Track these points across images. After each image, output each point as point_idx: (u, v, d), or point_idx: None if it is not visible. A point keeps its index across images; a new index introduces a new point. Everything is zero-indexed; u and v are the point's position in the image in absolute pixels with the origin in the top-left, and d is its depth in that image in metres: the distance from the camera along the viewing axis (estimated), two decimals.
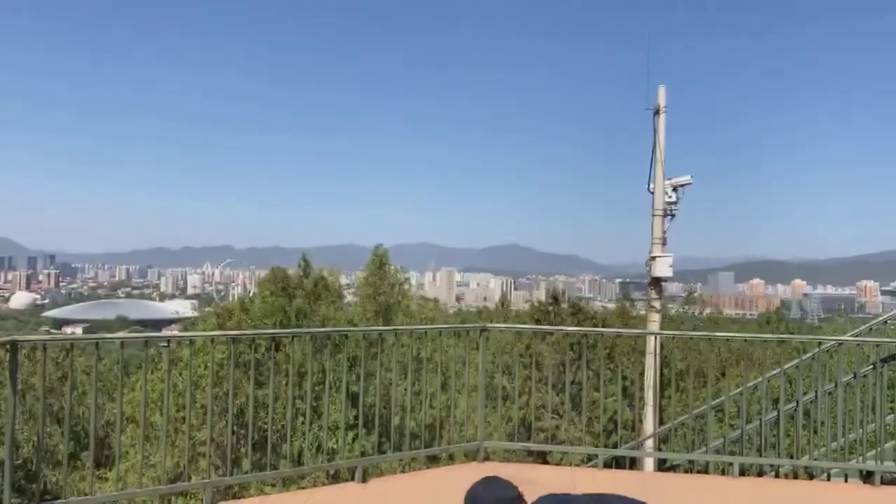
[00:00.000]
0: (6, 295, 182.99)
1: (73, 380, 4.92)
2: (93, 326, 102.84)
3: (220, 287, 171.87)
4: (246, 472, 6.90)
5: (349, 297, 12.20)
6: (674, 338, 8.79)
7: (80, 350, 6.64)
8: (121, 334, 5.93)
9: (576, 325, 12.32)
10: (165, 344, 6.60)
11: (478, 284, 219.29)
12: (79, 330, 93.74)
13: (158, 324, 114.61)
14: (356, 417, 7.82)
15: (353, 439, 7.34)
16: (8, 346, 3.98)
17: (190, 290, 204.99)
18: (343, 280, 11.26)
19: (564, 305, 12.59)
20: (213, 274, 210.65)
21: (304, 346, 7.57)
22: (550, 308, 11.97)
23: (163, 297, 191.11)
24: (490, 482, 2.98)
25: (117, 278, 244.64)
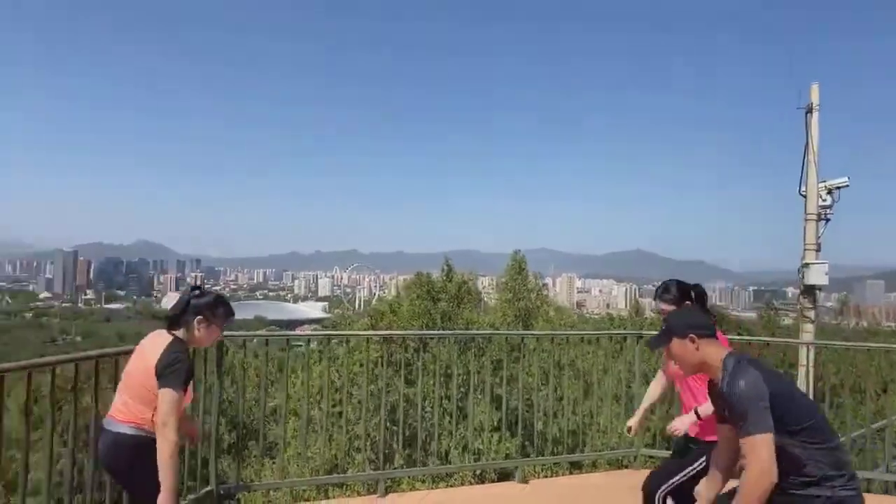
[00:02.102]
0: (158, 295, 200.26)
1: (265, 372, 5.47)
2: (233, 326, 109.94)
3: (348, 290, 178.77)
4: (397, 468, 7.26)
5: (486, 300, 12.44)
6: (826, 349, 8.31)
7: (237, 346, 7.25)
8: (305, 332, 6.41)
9: None
10: (324, 343, 7.13)
11: (600, 291, 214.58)
12: None
13: (292, 324, 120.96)
14: (500, 420, 8.00)
15: (499, 441, 7.52)
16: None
17: (321, 293, 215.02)
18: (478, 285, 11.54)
19: None
20: (341, 277, 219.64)
21: (450, 348, 7.86)
22: None
23: (296, 299, 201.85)
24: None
25: (255, 281, 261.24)
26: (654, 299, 4.00)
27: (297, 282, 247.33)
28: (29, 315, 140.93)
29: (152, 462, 3.02)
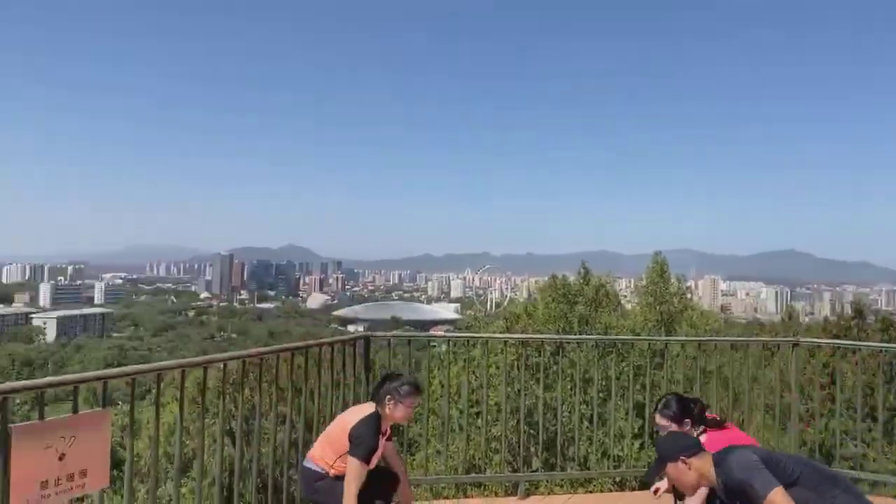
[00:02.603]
0: (304, 296, 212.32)
1: (410, 369, 5.72)
2: (371, 325, 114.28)
3: (480, 291, 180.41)
4: (535, 471, 7.26)
5: (624, 302, 12.12)
6: None
7: (378, 346, 7.56)
8: (440, 332, 6.58)
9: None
10: (464, 343, 7.27)
11: (747, 294, 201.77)
12: (360, 328, 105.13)
13: (426, 324, 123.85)
14: (641, 427, 7.77)
15: (640, 449, 7.32)
16: (363, 340, 4.80)
17: (453, 294, 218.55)
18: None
19: (871, 320, 11.07)
20: (472, 279, 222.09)
21: (588, 353, 7.75)
22: (853, 323, 10.61)
23: (429, 300, 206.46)
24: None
25: (391, 282, 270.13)
26: (654, 412, 4.37)
27: (430, 283, 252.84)
28: (191, 314, 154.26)
29: (328, 494, 3.93)
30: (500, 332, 9.33)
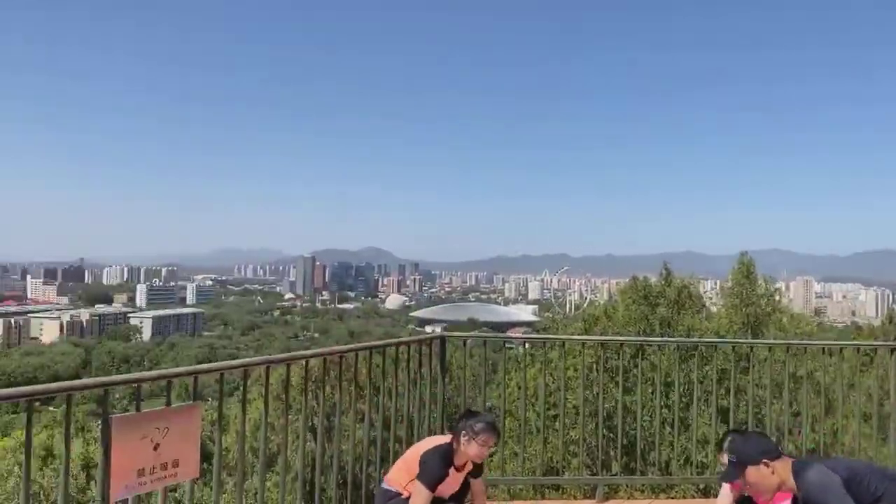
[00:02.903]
0: (383, 297, 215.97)
1: (486, 370, 5.76)
2: (448, 326, 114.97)
3: (558, 293, 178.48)
4: (615, 474, 7.13)
5: (709, 304, 11.73)
6: None
7: (455, 346, 7.57)
8: (516, 335, 6.58)
9: None
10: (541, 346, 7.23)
11: (844, 297, 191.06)
12: (438, 329, 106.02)
13: (503, 326, 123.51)
14: (726, 433, 7.49)
15: None
16: (439, 340, 4.87)
17: (530, 296, 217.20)
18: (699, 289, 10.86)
19: None
20: (550, 281, 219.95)
21: (670, 356, 7.54)
22: None
23: (506, 302, 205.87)
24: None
25: (468, 284, 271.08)
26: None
27: (507, 285, 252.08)
28: (276, 313, 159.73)
29: None
30: (579, 334, 9.21)
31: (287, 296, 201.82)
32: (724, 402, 7.02)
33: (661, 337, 8.86)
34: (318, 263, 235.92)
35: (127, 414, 2.87)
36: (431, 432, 5.88)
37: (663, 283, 9.90)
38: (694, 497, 6.82)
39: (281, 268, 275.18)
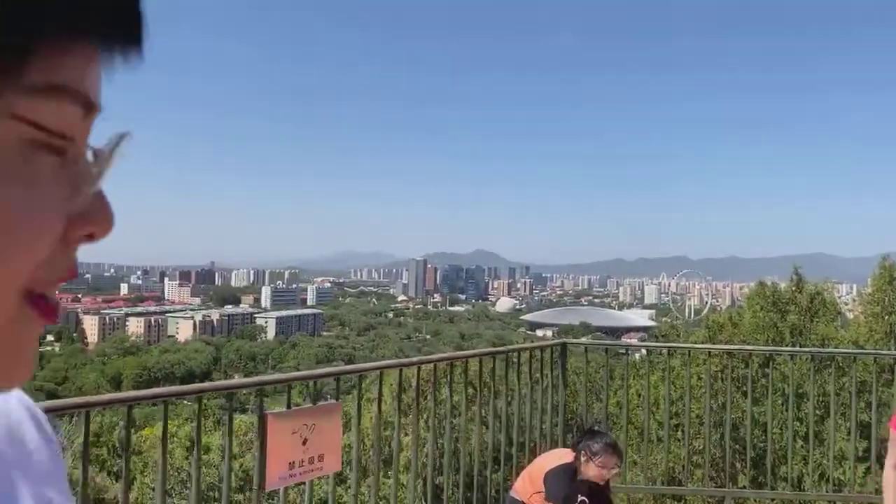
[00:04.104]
0: (493, 300, 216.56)
1: (608, 376, 5.76)
2: (560, 330, 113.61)
3: (677, 298, 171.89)
4: (743, 488, 6.87)
5: (844, 311, 10.99)
6: None
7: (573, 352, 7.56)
8: (636, 342, 6.52)
9: None
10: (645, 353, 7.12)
11: None
12: (549, 333, 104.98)
13: (618, 331, 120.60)
14: (867, 449, 7.05)
15: (864, 473, 6.64)
16: (559, 346, 4.93)
17: (647, 300, 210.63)
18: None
19: None
20: (668, 285, 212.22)
21: (802, 366, 7.17)
22: None
23: (621, 307, 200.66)
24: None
25: (580, 287, 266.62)
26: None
27: (621, 288, 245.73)
28: (390, 315, 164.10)
29: None
30: (702, 342, 8.92)
31: (400, 298, 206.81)
32: (865, 417, 6.60)
33: (792, 346, 8.42)
34: (429, 266, 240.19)
35: (280, 411, 3.15)
36: (552, 441, 5.93)
37: (793, 288, 9.38)
38: None
39: (394, 270, 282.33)
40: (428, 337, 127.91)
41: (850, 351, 7.10)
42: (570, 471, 4.11)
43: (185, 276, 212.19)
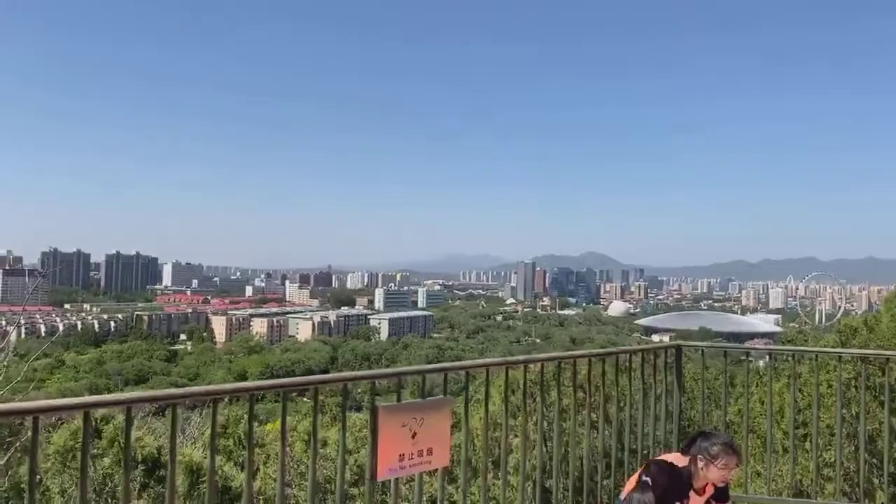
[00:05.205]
0: (605, 304, 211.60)
1: (727, 382, 5.51)
2: (678, 335, 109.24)
3: (806, 302, 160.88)
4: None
5: None
6: None
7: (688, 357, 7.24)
8: (760, 345, 6.20)
9: None
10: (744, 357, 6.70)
11: None
12: (666, 338, 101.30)
13: (740, 337, 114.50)
14: None
15: None
16: (674, 349, 4.76)
17: (772, 305, 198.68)
18: None
19: None
20: (796, 288, 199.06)
21: None
22: None
23: (744, 311, 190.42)
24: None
25: (699, 291, 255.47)
26: None
27: (744, 292, 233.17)
28: (499, 318, 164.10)
29: None
30: (833, 347, 8.30)
31: (509, 301, 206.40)
32: None
33: None
34: (538, 269, 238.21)
35: (391, 404, 3.25)
36: (666, 448, 5.73)
37: None
38: None
39: (503, 273, 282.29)
40: (538, 340, 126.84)
41: None
42: (675, 470, 4.00)
43: (304, 279, 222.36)
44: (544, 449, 6.73)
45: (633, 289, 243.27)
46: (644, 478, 3.92)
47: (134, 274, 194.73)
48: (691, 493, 4.04)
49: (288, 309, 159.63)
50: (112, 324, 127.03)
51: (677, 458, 4.13)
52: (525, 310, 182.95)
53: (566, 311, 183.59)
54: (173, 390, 2.75)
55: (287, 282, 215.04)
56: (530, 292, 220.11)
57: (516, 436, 6.24)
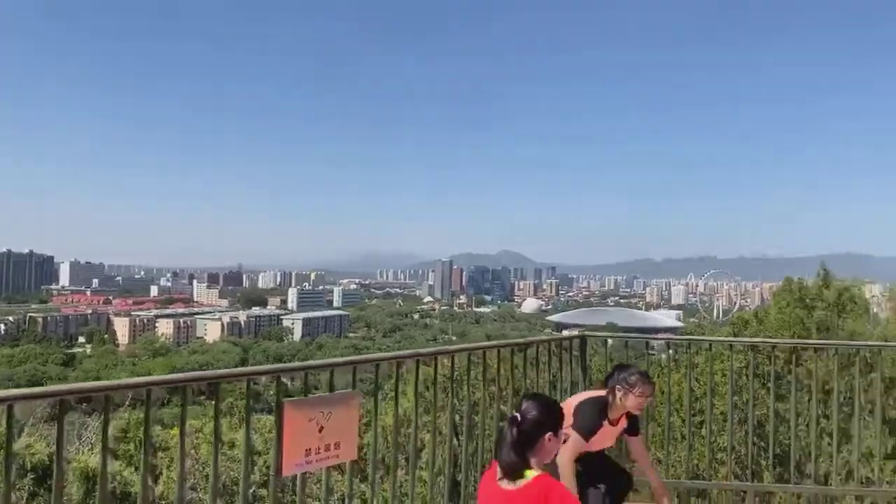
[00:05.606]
0: (519, 301, 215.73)
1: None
2: (586, 331, 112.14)
3: (705, 298, 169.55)
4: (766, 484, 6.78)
5: (876, 312, 10.76)
6: None
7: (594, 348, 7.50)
8: (660, 336, 6.47)
9: None
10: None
11: None
12: (575, 333, 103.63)
13: (644, 332, 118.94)
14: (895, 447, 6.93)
15: (893, 471, 6.54)
16: (579, 340, 4.93)
17: (674, 301, 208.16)
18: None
19: None
20: (696, 285, 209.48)
21: (828, 362, 7.05)
22: None
23: (648, 307, 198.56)
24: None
25: (606, 288, 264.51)
26: None
27: (648, 289, 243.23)
28: (416, 316, 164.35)
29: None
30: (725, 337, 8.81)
31: (426, 299, 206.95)
32: (893, 413, 6.49)
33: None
34: (455, 267, 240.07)
35: (297, 398, 3.20)
36: None
37: (821, 283, 9.20)
38: None
39: (420, 272, 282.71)
40: (454, 338, 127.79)
41: (876, 343, 6.97)
42: (602, 403, 4.27)
43: (213, 279, 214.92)
44: (455, 442, 6.81)
45: (545, 286, 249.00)
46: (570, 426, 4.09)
47: (27, 273, 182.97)
48: (605, 424, 4.29)
49: (196, 309, 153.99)
50: (2, 326, 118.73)
51: (596, 392, 4.34)
52: (442, 308, 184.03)
53: (482, 309, 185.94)
54: (61, 386, 2.60)
55: (195, 281, 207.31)
56: (447, 290, 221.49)
57: (429, 431, 6.28)
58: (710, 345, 6.45)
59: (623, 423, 4.41)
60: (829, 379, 6.85)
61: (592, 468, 4.35)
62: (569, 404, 4.31)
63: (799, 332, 8.53)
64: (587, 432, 4.13)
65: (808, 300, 8.87)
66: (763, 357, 7.04)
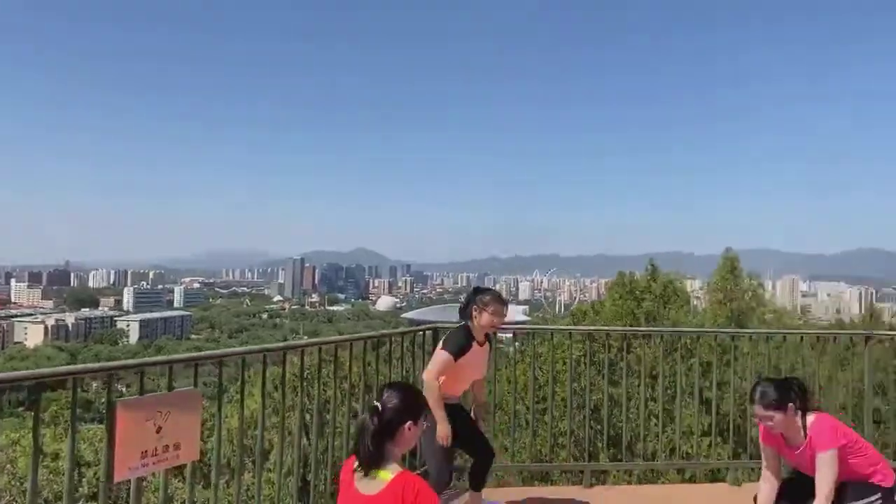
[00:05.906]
0: (374, 298, 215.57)
1: None
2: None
3: (549, 294, 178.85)
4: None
5: (696, 304, 11.89)
6: None
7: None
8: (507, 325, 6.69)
9: None
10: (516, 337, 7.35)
11: (828, 295, 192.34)
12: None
13: None
14: (710, 424, 7.67)
15: (709, 446, 7.24)
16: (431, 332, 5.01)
17: (521, 297, 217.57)
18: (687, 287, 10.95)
19: None
20: (541, 281, 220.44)
21: (655, 350, 7.70)
22: None
23: None
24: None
25: (459, 285, 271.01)
26: (751, 403, 3.88)
27: (497, 285, 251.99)
28: (265, 316, 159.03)
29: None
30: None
31: (276, 298, 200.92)
32: (709, 395, 7.18)
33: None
34: (307, 265, 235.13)
35: (131, 398, 2.98)
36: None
37: (649, 277, 10.04)
38: (680, 483, 6.98)
39: (269, 270, 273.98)
40: (305, 337, 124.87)
41: (694, 329, 7.69)
42: (466, 328, 4.46)
43: (34, 277, 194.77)
44: (306, 441, 6.67)
45: (400, 284, 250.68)
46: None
47: None
48: (474, 345, 4.46)
49: (14, 311, 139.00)
50: None
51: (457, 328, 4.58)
52: (293, 307, 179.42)
53: (335, 307, 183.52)
54: None
55: (13, 280, 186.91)
56: (298, 289, 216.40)
57: (278, 432, 6.10)
58: (552, 334, 6.79)
59: (487, 346, 4.63)
60: (656, 364, 7.48)
61: (464, 433, 4.43)
62: (438, 347, 4.48)
63: (630, 321, 9.26)
64: (456, 351, 4.25)
65: (637, 293, 9.66)
66: (599, 345, 7.53)
